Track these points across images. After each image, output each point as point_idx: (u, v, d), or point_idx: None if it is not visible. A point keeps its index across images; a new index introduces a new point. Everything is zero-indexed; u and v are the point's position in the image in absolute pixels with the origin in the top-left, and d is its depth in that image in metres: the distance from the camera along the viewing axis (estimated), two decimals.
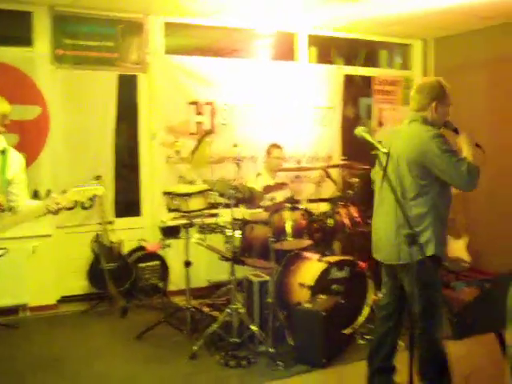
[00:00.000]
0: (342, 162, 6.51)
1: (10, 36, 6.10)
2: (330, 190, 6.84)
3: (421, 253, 3.08)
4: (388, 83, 8.12)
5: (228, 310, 4.92)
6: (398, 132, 3.92)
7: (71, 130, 6.16)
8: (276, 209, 5.23)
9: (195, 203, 5.17)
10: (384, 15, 6.66)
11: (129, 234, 6.40)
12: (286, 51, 7.47)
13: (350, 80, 7.89)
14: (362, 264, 5.29)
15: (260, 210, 5.49)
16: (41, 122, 6.01)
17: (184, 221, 5.28)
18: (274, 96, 7.14)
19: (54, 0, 5.88)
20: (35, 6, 5.96)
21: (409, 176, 3.67)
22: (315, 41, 7.60)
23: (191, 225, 5.30)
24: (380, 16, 6.69)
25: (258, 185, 5.63)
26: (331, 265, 5.16)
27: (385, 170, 3.29)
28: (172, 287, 6.41)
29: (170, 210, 5.42)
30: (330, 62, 7.86)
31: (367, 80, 8.07)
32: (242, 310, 4.91)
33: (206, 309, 5.59)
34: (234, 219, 5.06)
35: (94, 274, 6.04)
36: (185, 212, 5.18)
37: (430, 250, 3.54)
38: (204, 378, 4.40)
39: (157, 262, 6.35)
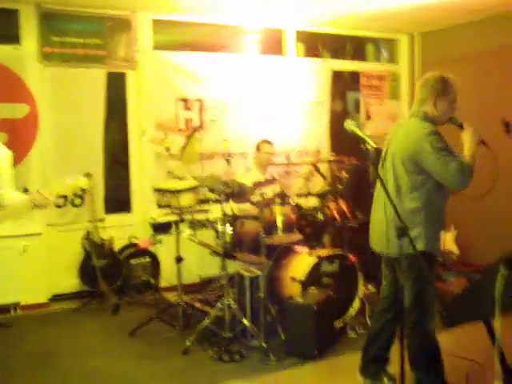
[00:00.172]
0: (332, 157, 6.55)
1: None
2: (319, 184, 6.88)
3: (411, 247, 3.12)
4: (375, 77, 8.17)
5: (220, 305, 4.95)
6: (399, 127, 3.95)
7: (60, 127, 6.16)
8: (266, 204, 5.26)
9: (186, 199, 5.19)
10: (370, 10, 6.69)
11: (119, 230, 6.41)
12: (273, 47, 7.50)
13: (337, 74, 7.93)
14: (352, 257, 5.34)
15: (250, 205, 5.51)
16: (29, 120, 6.01)
17: (174, 217, 5.30)
18: (262, 91, 7.17)
19: None
20: (22, 3, 5.94)
21: (403, 171, 3.71)
22: (302, 37, 7.63)
23: (182, 221, 5.32)
24: (366, 11, 6.72)
25: (248, 180, 5.65)
26: (322, 259, 5.21)
27: (374, 164, 3.33)
28: (163, 283, 6.42)
29: (161, 207, 5.44)
30: (318, 57, 7.89)
31: (355, 74, 8.12)
32: (234, 305, 4.94)
33: (197, 304, 5.61)
34: (225, 215, 5.08)
35: (86, 271, 6.05)
36: (175, 208, 5.20)
37: (419, 246, 3.57)
38: (197, 373, 4.43)
39: (148, 259, 6.37)
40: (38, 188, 5.50)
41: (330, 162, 6.56)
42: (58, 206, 6.12)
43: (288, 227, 5.28)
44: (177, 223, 5.30)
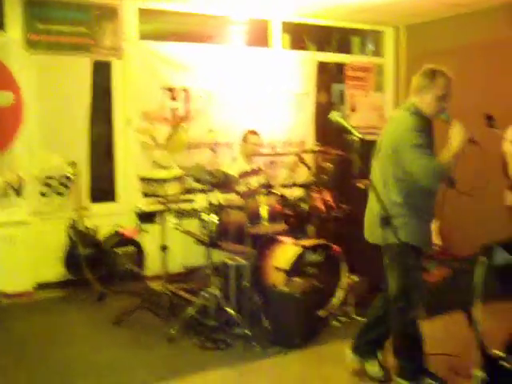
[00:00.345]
0: (316, 148, 6.59)
1: None
2: (304, 175, 6.93)
3: (392, 237, 3.17)
4: (360, 69, 8.22)
5: (205, 294, 4.98)
6: (391, 119, 4.01)
7: (45, 116, 6.14)
8: (251, 194, 5.30)
9: (171, 188, 5.22)
10: (356, 2, 6.72)
11: (104, 219, 6.40)
12: (259, 38, 7.51)
13: (323, 66, 7.96)
14: (336, 247, 5.39)
15: (235, 195, 5.55)
16: (15, 108, 5.98)
17: (160, 206, 5.32)
18: (248, 82, 7.20)
19: None
20: None
21: (390, 163, 3.77)
22: (288, 28, 7.66)
23: (167, 210, 5.34)
24: (352, 3, 6.76)
25: (233, 170, 5.68)
26: (306, 248, 5.25)
27: (360, 156, 3.37)
28: (148, 272, 6.44)
29: (146, 196, 5.46)
30: (303, 49, 7.93)
31: (340, 66, 8.16)
32: (219, 294, 4.98)
33: (182, 293, 5.63)
34: (210, 204, 5.11)
35: (71, 260, 6.04)
36: (161, 197, 5.22)
37: (401, 237, 3.60)
38: (182, 361, 4.46)
39: (133, 248, 6.37)
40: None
41: (314, 152, 6.60)
42: (43, 195, 6.12)
43: (273, 217, 5.33)
44: (162, 212, 5.32)
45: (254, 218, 5.18)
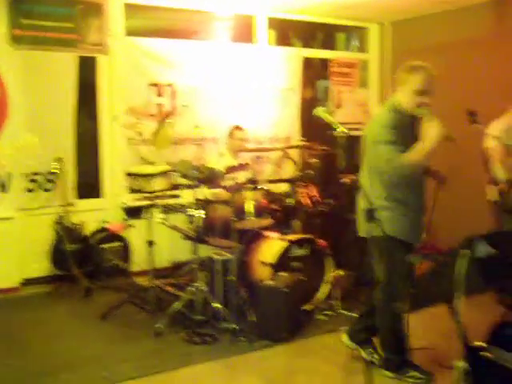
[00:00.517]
0: (302, 143, 6.63)
1: None
2: (290, 170, 6.97)
3: (375, 229, 3.22)
4: (345, 66, 8.26)
5: (191, 289, 5.01)
6: (373, 115, 4.08)
7: (31, 111, 6.10)
8: (237, 188, 5.33)
9: (158, 184, 5.24)
10: None
11: (91, 215, 6.41)
12: (245, 34, 7.53)
13: (308, 62, 8.00)
14: (321, 242, 5.43)
15: (221, 189, 5.57)
16: None
17: (146, 201, 5.33)
18: (234, 78, 7.22)
19: None
20: None
21: (370, 157, 3.84)
22: (274, 23, 7.68)
23: (154, 205, 5.36)
24: None
25: (220, 165, 5.71)
26: (292, 243, 5.29)
27: (345, 151, 3.42)
28: (135, 268, 6.45)
29: (133, 191, 5.47)
30: (289, 45, 7.96)
31: (325, 62, 8.20)
32: (205, 288, 5.01)
33: (169, 288, 5.66)
34: (197, 199, 5.14)
35: (57, 255, 6.04)
36: (148, 192, 5.24)
37: (383, 229, 3.66)
38: (169, 355, 4.49)
39: (119, 243, 6.39)
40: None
41: (300, 148, 6.64)
42: (29, 191, 6.11)
43: (259, 212, 5.36)
44: (149, 208, 5.34)
45: (241, 213, 5.22)
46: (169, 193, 5.40)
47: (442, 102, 7.09)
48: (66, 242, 6.00)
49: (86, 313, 5.46)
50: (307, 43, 8.15)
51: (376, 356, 4.18)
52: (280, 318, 4.75)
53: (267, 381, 4.14)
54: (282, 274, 5.04)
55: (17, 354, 4.57)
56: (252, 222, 5.38)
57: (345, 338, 4.35)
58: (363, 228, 3.89)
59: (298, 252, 5.33)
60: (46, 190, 6.20)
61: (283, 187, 6.26)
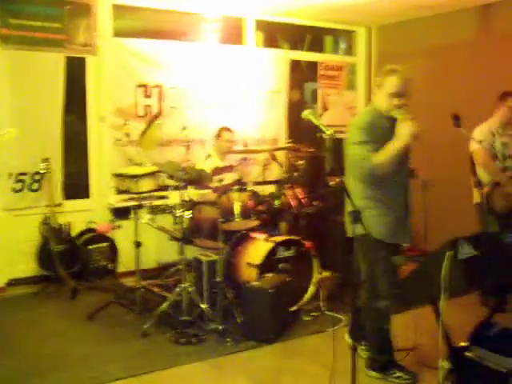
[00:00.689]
0: (288, 145, 6.67)
1: None
2: (276, 172, 7.02)
3: (360, 228, 3.27)
4: (333, 68, 8.31)
5: (178, 289, 5.03)
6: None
7: (18, 112, 6.08)
8: (224, 190, 5.35)
9: (145, 184, 5.25)
10: (329, 2, 6.80)
11: (77, 216, 6.41)
12: (233, 36, 7.56)
13: (295, 65, 8.04)
14: (307, 243, 5.47)
15: (208, 190, 5.59)
16: None
17: (133, 202, 5.34)
18: (221, 79, 7.24)
19: None
20: None
21: (348, 158, 3.91)
22: (262, 26, 7.72)
23: (141, 206, 5.37)
24: (325, 2, 6.83)
25: (207, 166, 5.73)
26: (278, 244, 5.31)
27: (331, 153, 3.45)
28: (121, 268, 6.46)
29: (120, 192, 5.48)
30: (277, 47, 7.99)
31: (313, 65, 8.24)
32: (192, 289, 5.03)
33: (156, 289, 5.67)
34: (183, 200, 5.15)
35: (43, 256, 6.02)
36: (135, 193, 5.25)
37: (362, 229, 3.71)
38: (155, 356, 4.50)
39: (106, 244, 6.40)
40: None
41: (287, 149, 6.68)
42: (16, 191, 6.09)
43: (245, 214, 5.39)
44: (136, 208, 5.34)
45: (227, 214, 5.24)
46: (156, 194, 5.41)
47: (427, 105, 7.23)
48: (52, 242, 5.99)
49: (73, 313, 5.45)
50: (295, 46, 8.20)
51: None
52: (266, 319, 4.78)
53: (254, 381, 4.16)
54: (269, 275, 5.07)
55: (3, 354, 4.56)
56: (239, 224, 5.40)
57: (346, 336, 4.43)
58: (350, 229, 3.94)
59: (285, 253, 5.36)
60: (33, 191, 6.18)
61: (270, 189, 6.30)
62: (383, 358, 4.06)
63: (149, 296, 5.48)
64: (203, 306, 4.98)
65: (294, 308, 5.29)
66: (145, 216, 5.37)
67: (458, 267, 2.73)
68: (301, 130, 7.30)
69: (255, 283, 4.93)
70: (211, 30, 7.51)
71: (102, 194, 6.55)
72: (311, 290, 5.47)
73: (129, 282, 6.14)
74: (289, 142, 6.93)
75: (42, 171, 6.05)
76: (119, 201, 5.70)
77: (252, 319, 4.84)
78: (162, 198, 5.57)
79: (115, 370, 4.25)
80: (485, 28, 7.01)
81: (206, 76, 7.12)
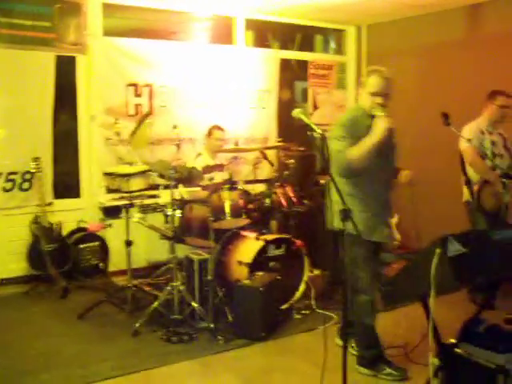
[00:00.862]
0: (279, 144, 6.69)
1: None
2: (266, 170, 7.05)
3: (338, 223, 3.33)
4: (323, 67, 8.34)
5: (169, 288, 5.04)
6: None
7: (8, 111, 6.06)
8: (214, 189, 5.36)
9: (136, 183, 5.25)
10: (319, 1, 6.82)
11: (68, 215, 6.39)
12: (223, 34, 7.57)
13: (286, 64, 8.06)
14: (298, 242, 5.49)
15: (199, 188, 5.60)
16: None
17: (124, 201, 5.34)
18: (212, 79, 7.24)
19: None
20: None
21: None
22: (252, 25, 7.73)
23: (132, 205, 5.37)
24: (315, 2, 6.85)
25: (198, 165, 5.74)
26: (268, 243, 5.33)
27: (321, 152, 3.47)
28: (112, 268, 6.46)
29: (111, 191, 5.48)
30: (267, 46, 8.01)
31: (303, 64, 8.26)
32: (183, 288, 5.04)
33: (147, 288, 5.68)
34: (174, 199, 5.16)
35: (34, 255, 6.01)
36: (125, 192, 5.25)
37: (338, 224, 3.75)
38: (147, 354, 4.50)
39: (97, 243, 6.40)
40: None
41: (277, 148, 6.70)
42: (6, 190, 6.07)
43: (236, 212, 5.40)
44: (126, 207, 5.35)
45: (218, 213, 5.25)
46: (147, 193, 5.42)
47: (416, 104, 7.27)
48: (43, 241, 5.98)
49: (64, 313, 5.45)
50: (286, 45, 8.21)
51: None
52: (257, 317, 4.80)
53: (244, 379, 4.18)
54: (259, 273, 5.09)
55: None
56: (229, 222, 5.42)
57: (336, 339, 4.43)
58: (329, 222, 4.05)
59: (275, 252, 5.38)
60: (24, 190, 6.16)
61: (260, 187, 6.31)
62: (370, 354, 4.10)
63: (140, 295, 5.49)
64: (194, 304, 4.99)
65: (284, 306, 5.32)
66: (136, 215, 5.37)
67: (448, 264, 2.74)
68: (291, 129, 7.31)
69: (246, 282, 4.94)
70: (201, 30, 7.52)
71: (93, 193, 6.55)
72: (302, 288, 5.49)
73: (120, 280, 6.15)
74: (279, 141, 6.95)
75: (32, 170, 6.05)
76: (110, 200, 5.71)
77: (243, 317, 4.86)
78: (153, 196, 5.58)
79: (106, 369, 4.26)
80: (474, 27, 7.06)
81: (196, 75, 7.12)
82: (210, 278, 5.03)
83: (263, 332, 4.79)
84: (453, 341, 3.22)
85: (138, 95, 6.76)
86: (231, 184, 5.51)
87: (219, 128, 6.46)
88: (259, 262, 5.21)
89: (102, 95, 6.56)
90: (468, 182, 5.42)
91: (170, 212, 5.09)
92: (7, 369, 4.29)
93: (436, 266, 2.73)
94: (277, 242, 5.41)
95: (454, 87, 6.95)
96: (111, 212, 5.73)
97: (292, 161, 6.21)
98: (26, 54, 6.15)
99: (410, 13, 7.34)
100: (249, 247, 5.34)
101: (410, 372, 4.09)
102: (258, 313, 4.80)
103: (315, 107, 8.29)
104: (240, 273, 5.19)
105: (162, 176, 5.22)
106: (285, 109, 7.79)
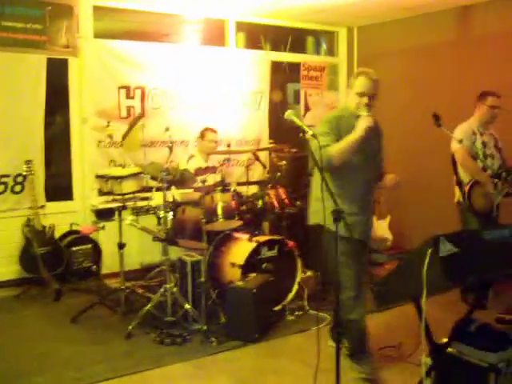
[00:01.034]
0: (271, 145, 6.70)
1: None
2: (258, 172, 7.06)
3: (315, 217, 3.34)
4: (315, 69, 8.35)
5: (162, 290, 5.04)
6: None
7: None
8: (207, 191, 5.37)
9: (128, 186, 5.24)
10: (311, 3, 6.85)
11: (60, 218, 6.38)
12: (215, 37, 7.58)
13: (277, 66, 8.07)
14: (290, 243, 5.50)
15: (191, 190, 5.60)
16: None
17: (116, 204, 5.34)
18: (204, 81, 7.25)
19: None
20: None
21: None
22: (244, 27, 7.74)
23: (124, 207, 5.37)
24: (307, 3, 6.87)
25: (190, 167, 5.75)
26: (261, 244, 5.34)
27: (313, 153, 3.48)
28: (105, 270, 6.46)
29: (103, 193, 5.48)
30: (259, 48, 8.02)
31: (294, 66, 8.27)
32: (176, 290, 5.05)
33: (140, 290, 5.68)
34: (167, 201, 5.16)
35: (26, 258, 6.00)
36: (118, 194, 5.25)
37: (315, 219, 3.85)
38: (140, 356, 4.50)
39: (89, 246, 6.39)
40: None
41: (269, 150, 6.71)
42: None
43: (228, 214, 5.41)
44: (119, 210, 5.34)
45: (210, 214, 5.26)
46: (139, 195, 5.42)
47: (406, 105, 7.31)
48: (35, 244, 5.97)
49: (57, 315, 5.44)
50: (277, 47, 8.23)
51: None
52: (250, 319, 4.80)
53: (237, 381, 4.18)
54: (252, 275, 5.10)
55: None
56: (222, 224, 5.43)
57: (329, 341, 4.41)
58: (309, 218, 4.17)
59: (268, 253, 5.39)
60: (16, 193, 6.15)
61: (253, 189, 6.32)
62: (356, 348, 4.11)
63: (133, 297, 5.50)
64: (187, 306, 4.99)
65: (277, 307, 5.33)
66: (128, 217, 5.36)
67: (439, 264, 2.76)
68: (283, 131, 7.32)
69: (239, 283, 4.95)
70: (193, 32, 7.53)
71: (85, 196, 6.54)
72: (295, 289, 5.50)
73: (113, 283, 6.14)
74: (271, 143, 6.96)
75: (24, 173, 6.04)
76: (102, 202, 5.69)
77: (236, 319, 4.86)
78: (146, 198, 5.57)
79: (100, 371, 4.25)
80: (464, 29, 7.10)
81: (188, 77, 7.12)
82: (202, 279, 5.04)
83: (256, 333, 4.80)
84: (445, 340, 3.24)
85: (130, 97, 6.76)
86: (223, 186, 5.53)
87: (211, 130, 6.47)
88: (252, 264, 5.23)
89: (94, 97, 6.55)
90: (459, 183, 5.45)
91: (162, 214, 5.10)
92: (0, 372, 4.28)
93: (428, 266, 2.75)
94: (269, 244, 5.42)
95: (444, 88, 6.99)
96: (104, 214, 5.71)
97: (284, 162, 6.22)
98: (18, 56, 6.14)
99: (401, 15, 7.38)
100: (241, 249, 5.35)
101: (403, 372, 4.10)
102: (251, 314, 4.80)
103: (307, 109, 8.30)
104: (233, 274, 5.20)
105: (154, 178, 5.23)
106: (277, 110, 7.81)
